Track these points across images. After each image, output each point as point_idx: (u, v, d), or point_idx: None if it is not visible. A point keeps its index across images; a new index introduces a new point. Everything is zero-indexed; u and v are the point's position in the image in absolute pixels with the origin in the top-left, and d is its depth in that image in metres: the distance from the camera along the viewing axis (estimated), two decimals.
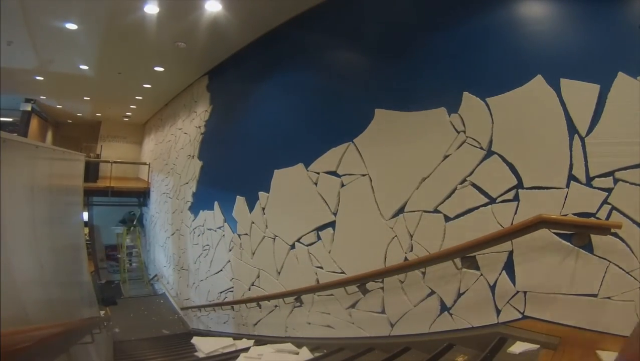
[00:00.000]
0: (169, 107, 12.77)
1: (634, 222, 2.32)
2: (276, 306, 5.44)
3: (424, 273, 3.44)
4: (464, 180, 3.16)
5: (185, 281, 9.46)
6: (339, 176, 4.38)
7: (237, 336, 6.29)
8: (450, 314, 3.23)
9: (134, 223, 17.30)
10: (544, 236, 2.65)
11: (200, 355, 5.52)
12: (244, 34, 6.45)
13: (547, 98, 2.70)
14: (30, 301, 3.30)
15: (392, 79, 3.94)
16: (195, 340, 6.30)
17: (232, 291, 6.80)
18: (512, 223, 2.84)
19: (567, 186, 2.59)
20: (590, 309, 2.44)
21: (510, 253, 2.85)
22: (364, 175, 4.07)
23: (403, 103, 3.73)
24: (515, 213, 2.84)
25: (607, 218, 2.42)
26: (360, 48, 4.49)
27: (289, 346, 4.58)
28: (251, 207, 6.17)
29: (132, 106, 14.45)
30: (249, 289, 6.19)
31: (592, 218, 2.47)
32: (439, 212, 3.33)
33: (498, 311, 2.92)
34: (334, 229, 4.44)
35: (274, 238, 5.51)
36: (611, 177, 2.41)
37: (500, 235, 2.80)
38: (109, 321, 7.48)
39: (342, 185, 4.33)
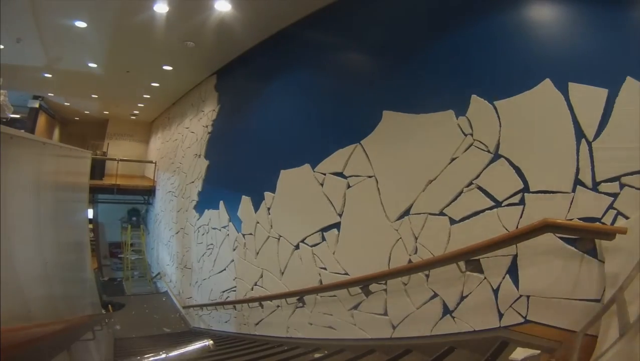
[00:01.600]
0: (176, 105, 12.83)
1: None
2: (278, 306, 5.44)
3: (427, 276, 3.43)
4: (470, 183, 3.16)
5: (188, 280, 9.48)
6: (345, 177, 4.39)
7: (237, 336, 6.30)
8: (453, 317, 3.22)
9: (141, 215, 17.30)
10: (549, 240, 2.64)
11: None
12: (253, 34, 6.48)
13: (555, 102, 2.70)
14: (33, 297, 3.32)
15: (400, 81, 3.94)
16: None
17: (234, 290, 6.81)
18: (517, 227, 2.83)
19: (573, 190, 2.59)
20: (593, 314, 2.42)
21: (515, 257, 2.85)
22: (370, 177, 4.08)
23: (411, 106, 3.73)
24: (521, 217, 2.83)
25: (613, 223, 2.41)
26: (368, 49, 4.51)
27: None
28: (256, 207, 6.19)
29: (139, 104, 14.53)
30: (252, 289, 6.20)
31: (598, 223, 2.46)
32: (445, 214, 3.33)
33: (500, 315, 2.91)
34: (338, 230, 4.44)
35: (279, 239, 5.51)
36: (617, 182, 2.40)
37: (505, 239, 2.79)
38: (110, 319, 7.50)
39: (348, 187, 4.34)
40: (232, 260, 6.91)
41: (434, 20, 3.75)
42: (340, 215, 4.43)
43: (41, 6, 5.80)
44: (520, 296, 2.80)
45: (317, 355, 4.13)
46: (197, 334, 7.95)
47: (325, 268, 4.58)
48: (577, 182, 2.57)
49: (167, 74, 9.52)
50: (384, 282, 3.82)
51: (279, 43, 6.24)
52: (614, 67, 2.46)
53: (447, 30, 3.59)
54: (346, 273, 4.28)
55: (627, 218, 2.34)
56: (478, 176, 3.11)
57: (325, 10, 5.11)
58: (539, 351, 2.49)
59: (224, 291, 7.24)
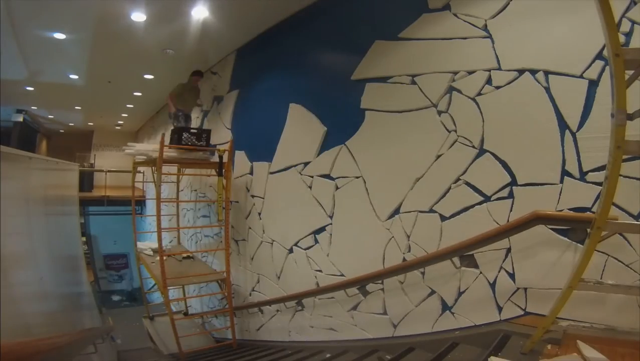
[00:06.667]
0: (160, 114, 12.72)
1: (629, 214, 2.32)
2: (278, 310, 5.44)
3: (423, 273, 3.43)
4: (458, 179, 3.15)
5: (185, 289, 9.42)
6: (332, 179, 4.37)
7: (240, 342, 6.28)
8: (452, 313, 3.23)
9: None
10: (541, 232, 2.65)
11: None
12: (232, 39, 6.42)
13: (536, 94, 2.69)
14: (31, 313, 3.29)
15: (379, 80, 3.91)
16: None
17: (233, 297, 6.78)
18: (508, 221, 2.84)
19: (561, 181, 2.59)
20: (591, 303, 2.43)
21: (508, 250, 2.86)
22: (357, 178, 4.06)
23: (392, 104, 3.71)
24: (511, 210, 2.83)
25: None
26: (350, 49, 4.46)
27: None
28: (247, 213, 6.16)
29: (123, 114, 14.43)
30: (250, 294, 6.19)
31: (588, 212, 2.46)
32: (435, 211, 3.32)
33: (500, 309, 2.92)
34: (331, 232, 4.43)
35: (272, 243, 5.50)
36: (604, 171, 2.40)
37: (497, 233, 2.80)
38: (111, 330, 7.46)
39: (337, 188, 4.32)
40: None
41: (412, 16, 3.69)
42: (331, 217, 4.42)
43: (19, 19, 5.70)
44: (518, 288, 2.81)
45: (320, 358, 4.13)
46: None
47: (320, 271, 4.57)
48: (565, 172, 2.57)
49: (148, 83, 9.43)
50: (380, 282, 3.81)
51: (260, 47, 6.17)
52: (594, 57, 2.45)
53: (423, 28, 3.55)
54: (342, 275, 4.27)
55: (616, 206, 2.34)
56: (465, 172, 3.11)
57: (304, 12, 5.05)
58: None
59: (221, 299, 7.21)
